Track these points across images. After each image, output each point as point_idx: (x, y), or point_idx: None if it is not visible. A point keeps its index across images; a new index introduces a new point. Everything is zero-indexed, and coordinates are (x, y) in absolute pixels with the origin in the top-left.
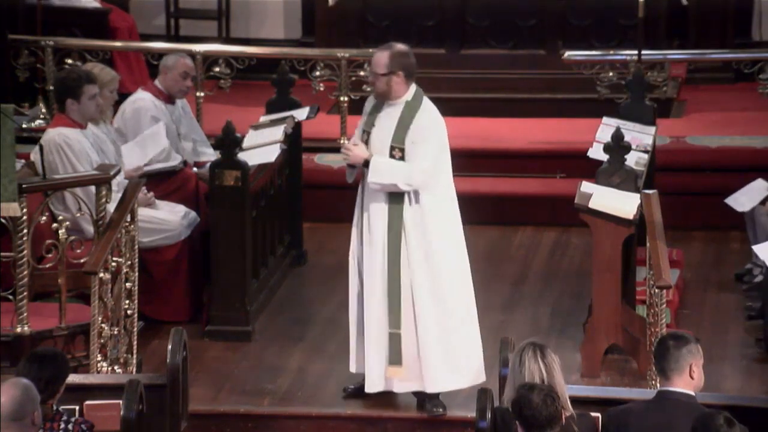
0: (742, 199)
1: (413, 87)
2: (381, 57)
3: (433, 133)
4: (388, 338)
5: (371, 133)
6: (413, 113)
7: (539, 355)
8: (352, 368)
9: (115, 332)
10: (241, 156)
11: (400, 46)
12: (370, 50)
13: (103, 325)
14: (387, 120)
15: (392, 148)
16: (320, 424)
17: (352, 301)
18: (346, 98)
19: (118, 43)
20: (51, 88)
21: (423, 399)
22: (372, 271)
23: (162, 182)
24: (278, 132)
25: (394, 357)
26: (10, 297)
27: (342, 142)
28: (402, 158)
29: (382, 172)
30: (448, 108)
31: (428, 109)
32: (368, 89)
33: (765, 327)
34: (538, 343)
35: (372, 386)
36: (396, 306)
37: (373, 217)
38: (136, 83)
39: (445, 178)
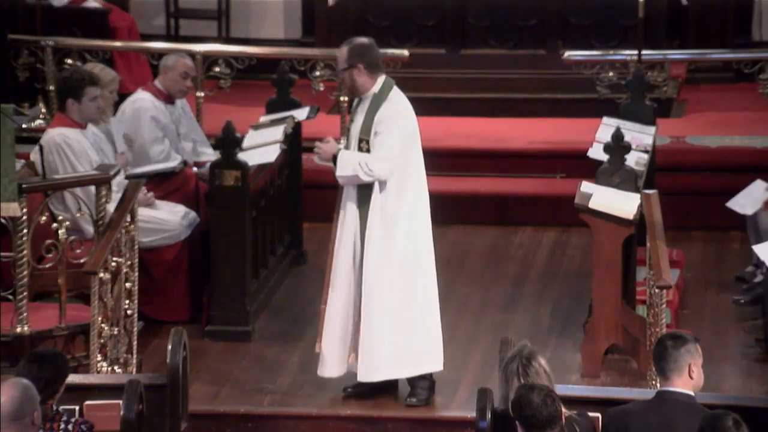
0: (744, 202)
1: (381, 79)
2: (341, 52)
3: (396, 123)
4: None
5: (349, 129)
6: (378, 105)
7: (521, 372)
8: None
9: (115, 332)
10: (241, 156)
11: (360, 39)
12: None
13: (103, 325)
14: (360, 115)
15: (360, 141)
16: (320, 424)
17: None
18: (346, 98)
19: (118, 43)
20: (51, 88)
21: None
22: (341, 264)
23: (162, 182)
24: (278, 132)
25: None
26: (10, 297)
27: (316, 143)
28: (368, 150)
29: (345, 164)
30: (448, 108)
31: (394, 99)
32: None
33: (765, 327)
34: (524, 354)
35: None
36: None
37: (345, 212)
38: (136, 83)
39: (413, 169)
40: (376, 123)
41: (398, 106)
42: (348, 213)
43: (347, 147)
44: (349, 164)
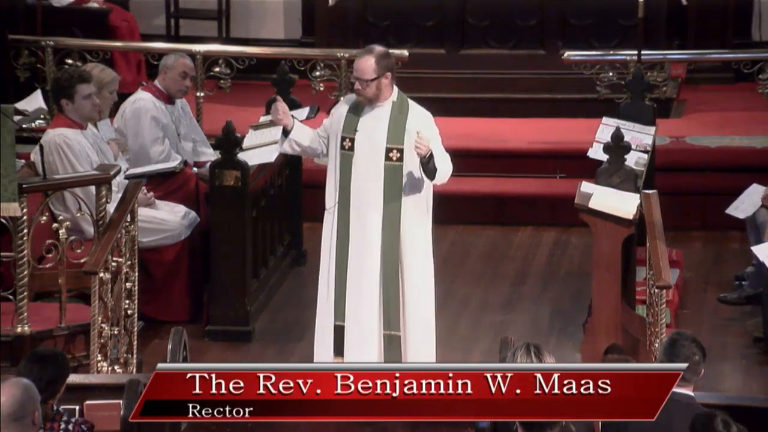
0: (743, 207)
1: (395, 87)
2: (367, 63)
3: (435, 127)
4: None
5: (355, 139)
6: (405, 112)
7: (533, 352)
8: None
9: (115, 332)
10: (241, 156)
11: (381, 48)
12: None
13: (103, 325)
14: (374, 122)
15: (389, 150)
16: (320, 423)
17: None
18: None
19: (118, 43)
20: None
21: None
22: (363, 267)
23: (162, 182)
24: (278, 132)
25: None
26: (10, 297)
27: (416, 137)
28: (400, 159)
29: (443, 160)
30: (448, 108)
31: (415, 105)
32: None
33: (765, 325)
34: (534, 343)
35: None
36: (395, 304)
37: (368, 207)
38: (136, 83)
39: None
40: (411, 131)
41: (426, 112)
42: (371, 210)
43: (345, 153)
44: (445, 161)
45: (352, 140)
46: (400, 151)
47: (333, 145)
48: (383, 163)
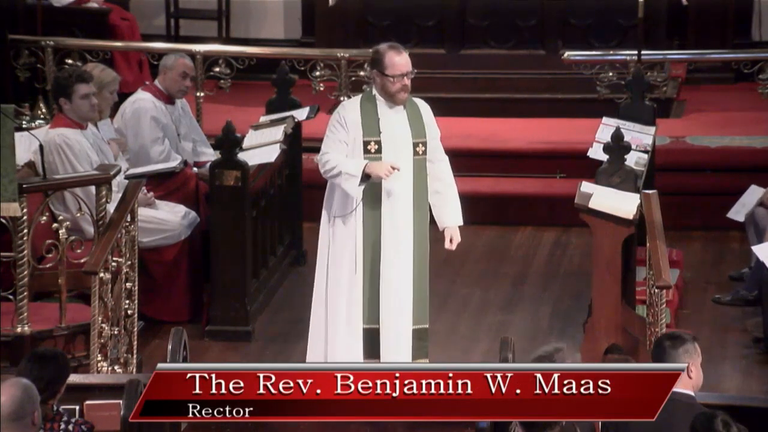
0: (743, 209)
1: None
2: (406, 55)
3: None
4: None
5: (381, 141)
6: (414, 105)
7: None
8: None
9: (115, 332)
10: (241, 156)
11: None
12: (370, 50)
13: (103, 325)
14: (395, 121)
15: (416, 145)
16: (320, 424)
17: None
18: (346, 98)
19: (118, 43)
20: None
21: None
22: (393, 262)
23: (162, 182)
24: (278, 132)
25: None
26: (10, 297)
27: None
28: (425, 152)
29: (459, 211)
30: (448, 108)
31: (417, 98)
32: (367, 89)
33: (765, 325)
34: (542, 355)
35: None
36: (422, 299)
37: (399, 205)
38: (136, 83)
39: None
40: (430, 125)
41: (425, 103)
42: (404, 214)
43: (371, 156)
44: (459, 207)
45: (378, 142)
46: (424, 144)
47: (355, 152)
48: (412, 159)
